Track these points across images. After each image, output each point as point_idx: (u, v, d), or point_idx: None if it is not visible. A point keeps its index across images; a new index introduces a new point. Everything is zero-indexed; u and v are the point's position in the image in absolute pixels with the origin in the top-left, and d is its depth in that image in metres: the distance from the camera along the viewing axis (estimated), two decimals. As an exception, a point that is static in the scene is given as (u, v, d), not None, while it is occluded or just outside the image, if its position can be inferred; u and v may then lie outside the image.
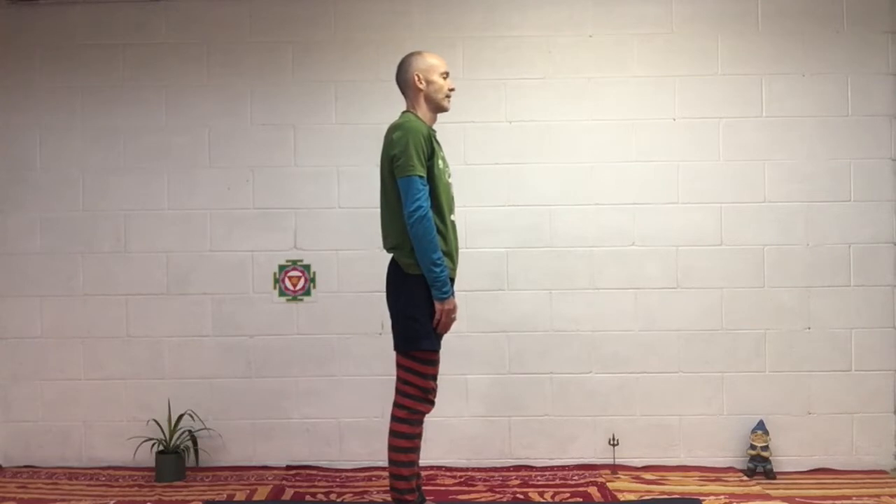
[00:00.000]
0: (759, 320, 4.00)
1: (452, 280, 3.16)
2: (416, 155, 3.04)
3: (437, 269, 3.04)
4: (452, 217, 3.20)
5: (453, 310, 3.12)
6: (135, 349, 4.07)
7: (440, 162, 3.16)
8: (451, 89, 3.24)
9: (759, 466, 3.86)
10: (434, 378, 3.17)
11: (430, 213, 3.04)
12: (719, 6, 4.03)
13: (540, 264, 4.02)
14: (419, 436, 3.21)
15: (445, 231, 3.13)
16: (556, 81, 4.05)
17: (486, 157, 4.00)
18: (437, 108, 3.23)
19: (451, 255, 3.17)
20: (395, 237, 3.13)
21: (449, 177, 3.24)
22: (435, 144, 3.16)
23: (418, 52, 3.25)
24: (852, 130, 4.00)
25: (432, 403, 3.19)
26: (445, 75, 3.23)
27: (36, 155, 4.10)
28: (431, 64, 3.22)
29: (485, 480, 3.80)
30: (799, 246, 4.00)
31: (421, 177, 3.04)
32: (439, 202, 3.12)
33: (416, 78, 3.20)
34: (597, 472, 3.91)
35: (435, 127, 3.26)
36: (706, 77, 4.02)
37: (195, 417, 4.02)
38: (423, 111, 3.22)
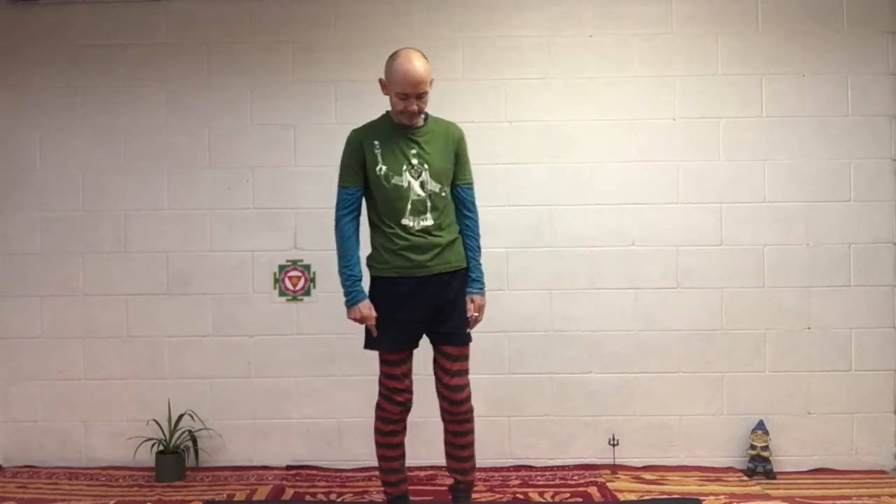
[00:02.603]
0: (759, 320, 4.00)
1: (414, 278, 3.13)
2: (343, 167, 3.20)
3: (342, 277, 3.16)
4: (405, 220, 3.12)
5: (360, 320, 3.13)
6: (135, 349, 4.07)
7: (381, 167, 3.12)
8: (410, 111, 3.09)
9: (759, 466, 3.86)
10: (394, 378, 3.15)
11: (344, 222, 3.16)
12: (719, 6, 4.03)
13: (540, 264, 4.01)
14: (391, 434, 3.20)
15: (389, 233, 3.14)
16: (556, 81, 4.05)
17: (486, 157, 3.99)
18: (396, 118, 3.18)
19: (400, 253, 3.13)
20: None
21: (416, 176, 3.13)
22: (370, 148, 3.13)
23: (396, 54, 3.13)
24: (852, 130, 4.00)
25: (399, 405, 3.17)
26: (403, 96, 3.07)
27: (36, 155, 4.10)
28: (392, 75, 3.11)
29: (485, 480, 3.79)
30: (799, 246, 4.00)
31: (345, 187, 3.18)
32: (377, 207, 3.16)
33: (381, 81, 3.20)
34: (597, 472, 3.91)
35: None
36: (706, 77, 4.02)
37: (195, 417, 4.02)
38: (393, 113, 3.21)
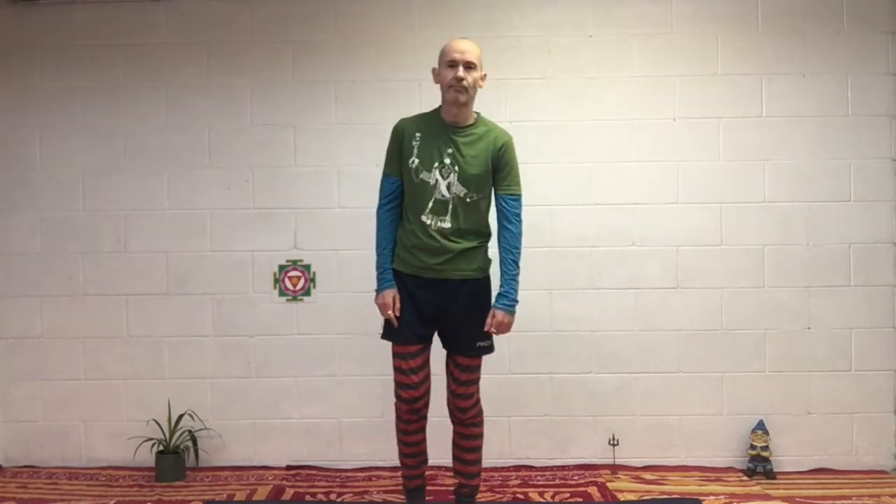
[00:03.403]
0: (759, 320, 4.00)
1: (422, 278, 3.12)
2: (387, 154, 3.22)
3: (376, 263, 3.19)
4: (423, 217, 3.10)
5: (381, 307, 3.16)
6: (135, 349, 4.07)
7: (414, 160, 3.12)
8: (458, 79, 3.04)
9: (759, 466, 3.86)
10: (400, 372, 3.17)
11: (382, 211, 3.19)
12: (719, 6, 4.03)
13: (540, 264, 4.01)
14: (404, 432, 3.23)
15: (407, 226, 3.15)
16: (556, 81, 4.05)
17: (486, 157, 3.99)
18: (445, 100, 3.15)
19: (412, 250, 3.13)
20: None
21: (444, 176, 3.11)
22: (409, 140, 3.13)
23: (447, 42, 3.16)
24: (852, 130, 4.00)
25: (404, 402, 3.18)
26: (451, 63, 3.06)
27: (36, 155, 4.10)
28: (442, 52, 3.14)
29: (485, 480, 3.77)
30: (799, 246, 4.00)
31: (387, 175, 3.21)
32: (406, 201, 3.18)
33: (433, 71, 3.20)
34: (597, 472, 3.91)
35: None
36: (706, 77, 4.02)
37: (195, 417, 4.02)
38: (442, 105, 3.18)
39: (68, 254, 4.08)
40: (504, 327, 3.14)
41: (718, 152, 4.02)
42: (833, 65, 4.01)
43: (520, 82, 4.04)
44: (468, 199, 3.12)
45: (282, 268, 4.07)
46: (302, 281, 4.07)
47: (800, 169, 4.01)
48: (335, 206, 4.05)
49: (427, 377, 3.21)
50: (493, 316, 3.12)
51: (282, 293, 4.07)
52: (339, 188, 4.05)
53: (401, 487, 3.46)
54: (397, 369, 3.19)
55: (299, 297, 4.07)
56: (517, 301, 3.16)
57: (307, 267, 4.07)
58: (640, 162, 4.03)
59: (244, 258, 4.07)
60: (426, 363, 3.20)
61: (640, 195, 4.02)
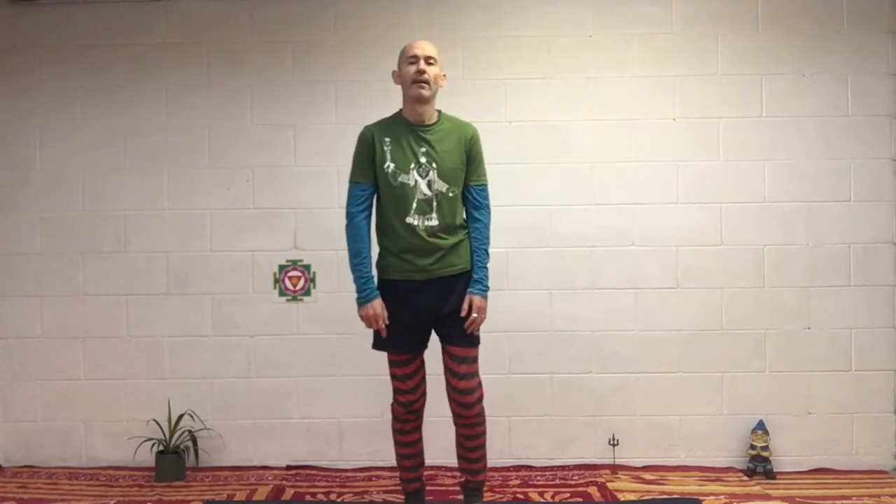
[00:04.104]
0: (759, 320, 4.00)
1: (417, 281, 3.12)
2: (355, 162, 3.18)
3: (354, 275, 3.14)
4: (409, 219, 3.09)
5: (369, 318, 3.11)
6: (135, 349, 4.07)
7: (389, 164, 3.11)
8: (420, 71, 3.08)
9: (759, 466, 3.86)
10: (396, 378, 3.21)
11: (357, 219, 3.14)
12: (719, 6, 4.03)
13: (540, 264, 4.01)
14: (399, 433, 3.27)
15: (392, 232, 3.13)
16: (556, 81, 4.05)
17: (487, 157, 3.95)
18: (409, 98, 3.15)
19: (402, 255, 3.12)
20: None
21: (423, 175, 3.11)
22: (380, 145, 3.13)
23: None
24: (852, 130, 4.00)
25: (401, 406, 3.22)
26: (413, 60, 3.10)
27: (36, 155, 4.10)
28: (401, 53, 3.17)
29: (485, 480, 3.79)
30: (799, 246, 4.00)
31: (357, 183, 3.16)
32: (384, 207, 3.16)
33: (393, 73, 3.22)
34: (597, 472, 3.91)
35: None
36: (706, 77, 4.02)
37: (195, 417, 4.02)
38: (405, 106, 3.20)
39: (68, 254, 4.08)
40: (483, 311, 3.17)
41: (718, 152, 4.02)
42: (833, 65, 4.01)
43: (520, 82, 4.04)
44: (450, 194, 3.15)
45: (282, 268, 4.07)
46: (302, 281, 4.07)
47: (800, 169, 4.01)
48: (335, 206, 4.04)
49: (423, 379, 3.24)
50: (472, 301, 3.14)
51: (282, 293, 4.07)
52: (339, 188, 4.04)
53: (400, 488, 3.46)
54: (394, 376, 3.23)
55: (299, 297, 4.07)
56: (489, 287, 3.21)
57: (307, 267, 4.07)
58: (640, 162, 4.03)
59: (244, 258, 4.07)
60: (421, 366, 3.24)
61: (640, 195, 4.02)
